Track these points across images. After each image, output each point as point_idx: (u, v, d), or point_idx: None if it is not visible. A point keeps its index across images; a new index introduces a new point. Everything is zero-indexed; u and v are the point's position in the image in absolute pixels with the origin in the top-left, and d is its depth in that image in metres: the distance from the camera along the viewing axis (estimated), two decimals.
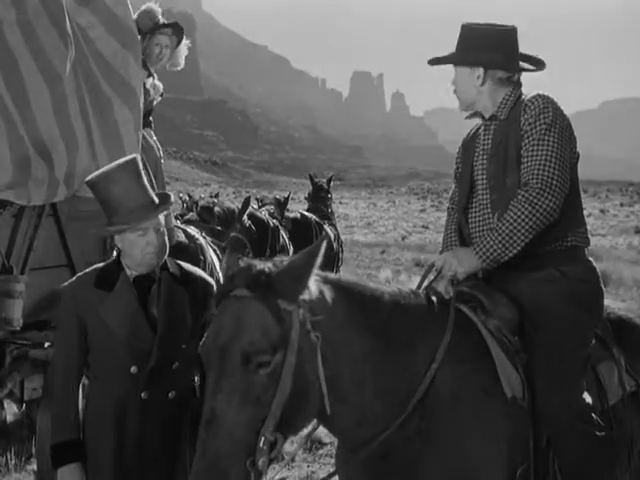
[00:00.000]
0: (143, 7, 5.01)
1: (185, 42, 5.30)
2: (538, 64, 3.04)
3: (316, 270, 2.17)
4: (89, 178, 2.85)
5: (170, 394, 2.80)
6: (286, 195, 9.22)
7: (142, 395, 2.73)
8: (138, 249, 2.76)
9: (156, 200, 2.85)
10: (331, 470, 4.79)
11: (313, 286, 2.20)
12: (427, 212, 53.65)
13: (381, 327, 2.37)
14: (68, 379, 2.77)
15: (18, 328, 3.88)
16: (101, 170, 2.85)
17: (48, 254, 4.24)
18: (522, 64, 2.97)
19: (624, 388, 2.89)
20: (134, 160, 2.85)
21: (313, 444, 5.39)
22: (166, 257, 2.87)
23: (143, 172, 2.89)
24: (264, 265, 2.17)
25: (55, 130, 3.87)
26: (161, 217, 2.84)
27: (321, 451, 5.33)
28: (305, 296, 2.16)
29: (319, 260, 2.14)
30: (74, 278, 2.91)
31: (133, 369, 2.72)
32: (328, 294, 2.27)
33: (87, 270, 2.89)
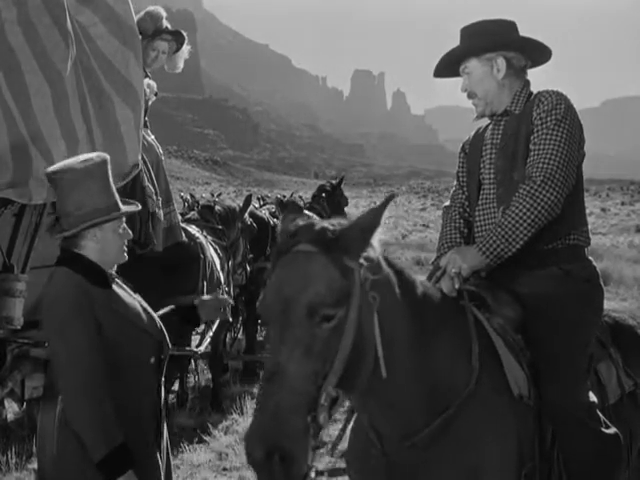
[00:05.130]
0: (149, 8, 4.97)
1: (187, 47, 5.27)
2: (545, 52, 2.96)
3: (380, 229, 2.15)
4: (68, 174, 2.78)
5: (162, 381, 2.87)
6: (288, 195, 9.31)
7: (159, 384, 2.79)
8: (117, 244, 2.79)
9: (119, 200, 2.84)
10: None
11: (376, 245, 2.18)
12: (428, 211, 53.62)
13: (418, 308, 2.35)
14: (100, 379, 2.58)
15: (19, 327, 3.87)
16: (72, 166, 2.78)
17: (49, 253, 4.24)
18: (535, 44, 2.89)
19: (622, 388, 2.90)
20: (104, 160, 2.84)
21: None
22: None
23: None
24: (327, 223, 2.15)
25: (56, 129, 3.87)
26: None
27: (322, 449, 5.33)
28: (368, 254, 2.14)
29: (383, 219, 2.13)
30: (61, 281, 2.73)
31: (152, 360, 2.77)
32: (381, 260, 2.26)
33: (64, 272, 2.75)
